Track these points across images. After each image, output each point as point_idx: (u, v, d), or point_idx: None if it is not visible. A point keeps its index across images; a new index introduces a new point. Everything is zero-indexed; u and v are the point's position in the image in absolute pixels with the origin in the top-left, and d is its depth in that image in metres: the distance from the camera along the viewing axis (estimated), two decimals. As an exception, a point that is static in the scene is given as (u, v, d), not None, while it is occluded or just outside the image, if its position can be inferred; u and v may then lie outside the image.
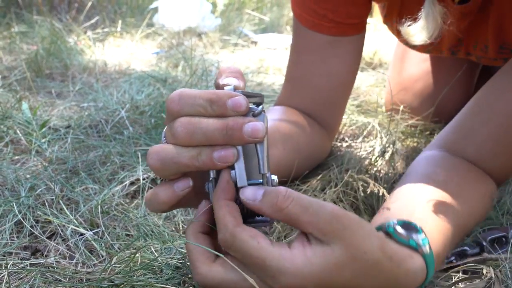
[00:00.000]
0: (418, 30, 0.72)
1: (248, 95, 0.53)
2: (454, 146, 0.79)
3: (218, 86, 0.54)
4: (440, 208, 0.65)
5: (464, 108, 0.82)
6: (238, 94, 0.50)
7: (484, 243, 0.70)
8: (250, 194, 0.51)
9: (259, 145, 0.51)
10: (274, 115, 0.88)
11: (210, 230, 0.54)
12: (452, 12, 0.79)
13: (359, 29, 0.89)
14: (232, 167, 0.51)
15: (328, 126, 0.95)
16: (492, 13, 0.83)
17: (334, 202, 0.79)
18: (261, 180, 0.53)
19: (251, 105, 0.51)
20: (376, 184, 0.78)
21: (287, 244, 0.51)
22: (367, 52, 1.87)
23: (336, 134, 1.02)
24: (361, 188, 0.78)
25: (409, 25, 0.72)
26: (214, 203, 0.51)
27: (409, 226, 0.58)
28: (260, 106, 0.52)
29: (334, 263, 0.49)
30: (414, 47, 1.02)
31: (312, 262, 0.49)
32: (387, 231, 0.58)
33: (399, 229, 0.57)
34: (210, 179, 0.53)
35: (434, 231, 0.62)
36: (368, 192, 0.78)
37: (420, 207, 0.65)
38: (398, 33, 0.95)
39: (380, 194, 0.76)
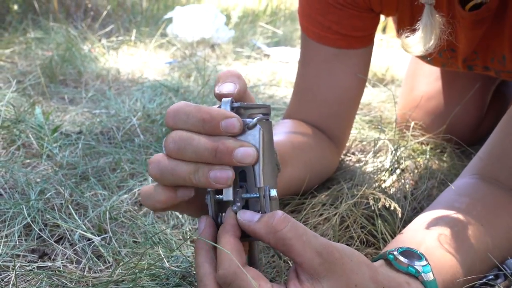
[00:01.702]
0: (416, 41, 0.71)
1: (248, 107, 0.53)
2: (486, 171, 0.75)
3: (218, 96, 0.53)
4: (454, 237, 0.63)
5: (494, 131, 0.79)
6: (232, 115, 0.50)
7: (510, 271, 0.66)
8: (247, 216, 0.51)
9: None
10: (285, 129, 0.88)
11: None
12: (462, 21, 0.78)
13: (366, 42, 0.89)
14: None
15: (337, 139, 0.94)
16: (508, 20, 0.79)
17: (345, 216, 0.79)
18: (257, 194, 0.52)
19: (246, 119, 0.51)
20: (388, 198, 0.77)
21: (284, 285, 0.50)
22: (380, 68, 1.87)
23: (344, 148, 1.02)
24: (371, 202, 0.77)
25: (407, 36, 0.72)
26: (221, 236, 0.51)
27: (410, 253, 0.57)
28: (256, 119, 0.51)
29: None
30: (429, 61, 1.01)
31: None
32: (387, 258, 0.57)
33: (400, 256, 0.57)
34: (208, 190, 0.53)
35: (442, 260, 0.60)
36: (379, 206, 0.78)
37: (431, 236, 0.63)
38: None
39: (392, 208, 0.75)
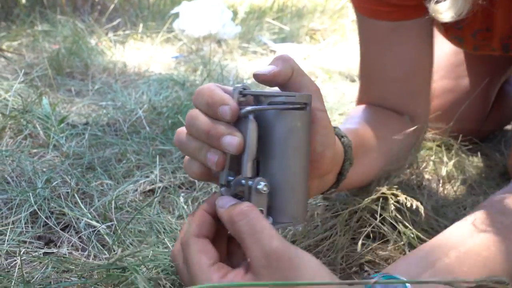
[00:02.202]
0: (447, 7, 0.68)
1: (267, 95, 0.53)
2: None
3: (254, 76, 0.54)
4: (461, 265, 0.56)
5: None
6: (227, 102, 0.50)
7: None
8: (221, 201, 0.52)
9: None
10: (360, 117, 0.84)
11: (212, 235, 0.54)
12: None
13: (422, 10, 0.80)
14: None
15: (417, 118, 0.88)
16: None
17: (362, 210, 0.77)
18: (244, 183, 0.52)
19: (247, 107, 0.51)
20: (409, 197, 0.75)
21: (228, 271, 0.49)
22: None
23: (427, 126, 0.95)
24: (392, 200, 0.76)
25: (437, 2, 0.69)
26: (199, 208, 0.54)
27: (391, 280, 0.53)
28: (247, 108, 0.51)
29: None
30: (460, 44, 0.96)
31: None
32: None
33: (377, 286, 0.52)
34: (221, 183, 0.54)
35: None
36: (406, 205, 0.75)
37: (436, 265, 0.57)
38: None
39: (414, 207, 0.73)
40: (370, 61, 0.88)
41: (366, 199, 0.75)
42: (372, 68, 0.88)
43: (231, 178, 0.53)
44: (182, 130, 0.55)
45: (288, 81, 0.55)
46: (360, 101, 0.92)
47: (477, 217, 0.62)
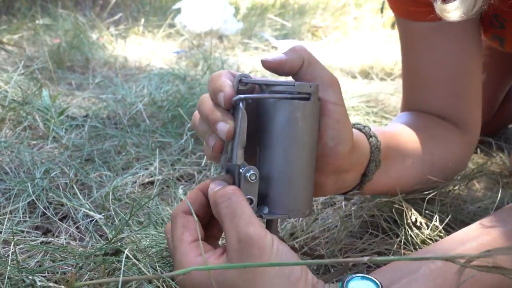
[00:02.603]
0: (456, 6, 0.65)
1: (267, 83, 0.52)
2: None
3: (261, 63, 0.54)
4: None
5: None
6: (222, 89, 0.51)
7: None
8: (213, 184, 0.53)
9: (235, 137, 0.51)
10: (399, 121, 0.80)
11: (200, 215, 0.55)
12: None
13: None
14: None
15: (466, 125, 0.82)
16: None
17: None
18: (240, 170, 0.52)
19: (240, 95, 0.51)
20: (415, 212, 0.73)
21: (207, 250, 0.51)
22: (388, 63, 1.86)
23: (478, 133, 0.86)
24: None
25: (444, 0, 0.66)
26: (195, 188, 0.56)
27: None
28: (237, 97, 0.51)
29: (223, 279, 0.48)
30: (501, 46, 0.91)
31: (202, 265, 0.48)
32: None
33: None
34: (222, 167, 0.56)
35: None
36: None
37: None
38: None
39: (418, 223, 0.72)
40: (410, 65, 0.85)
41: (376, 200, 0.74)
42: (413, 72, 0.84)
43: (229, 163, 0.53)
44: (197, 113, 0.57)
45: (299, 71, 0.54)
46: (403, 109, 0.87)
47: (484, 221, 0.61)
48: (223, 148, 0.53)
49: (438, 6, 0.67)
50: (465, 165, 0.85)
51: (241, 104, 0.51)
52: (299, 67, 0.54)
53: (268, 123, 0.52)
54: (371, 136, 0.65)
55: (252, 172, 0.51)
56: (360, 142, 0.62)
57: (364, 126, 0.66)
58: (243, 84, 0.53)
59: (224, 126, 0.51)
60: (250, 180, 0.51)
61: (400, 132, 0.74)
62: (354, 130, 0.61)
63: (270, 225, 0.54)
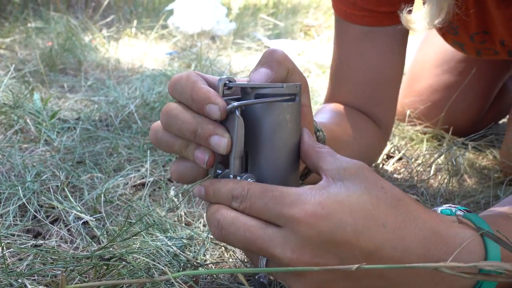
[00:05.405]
0: (421, 17, 0.66)
1: (253, 86, 0.50)
2: None
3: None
4: None
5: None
6: (215, 100, 0.47)
7: None
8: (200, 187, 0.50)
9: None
10: (331, 114, 0.83)
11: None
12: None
13: (396, 19, 0.77)
14: None
15: (381, 123, 0.89)
16: None
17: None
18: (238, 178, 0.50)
19: (233, 103, 0.48)
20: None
21: None
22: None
23: (390, 132, 0.95)
24: None
25: (410, 11, 0.67)
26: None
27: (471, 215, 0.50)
28: (232, 105, 0.47)
29: (367, 198, 0.44)
30: (462, 50, 0.96)
31: (335, 192, 0.44)
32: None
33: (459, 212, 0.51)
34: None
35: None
36: None
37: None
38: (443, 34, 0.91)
39: None
40: (339, 63, 0.88)
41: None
42: (340, 69, 0.88)
43: (219, 171, 0.52)
44: (158, 127, 0.50)
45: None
46: (328, 100, 0.92)
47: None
48: (215, 160, 0.50)
49: (403, 17, 0.68)
50: (378, 157, 0.94)
51: (237, 112, 0.48)
52: (284, 79, 0.52)
53: (257, 127, 0.50)
54: (318, 130, 0.65)
55: (251, 180, 0.50)
56: None
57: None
58: (228, 88, 0.50)
59: (221, 141, 0.47)
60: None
61: (336, 125, 0.77)
62: None
63: None
